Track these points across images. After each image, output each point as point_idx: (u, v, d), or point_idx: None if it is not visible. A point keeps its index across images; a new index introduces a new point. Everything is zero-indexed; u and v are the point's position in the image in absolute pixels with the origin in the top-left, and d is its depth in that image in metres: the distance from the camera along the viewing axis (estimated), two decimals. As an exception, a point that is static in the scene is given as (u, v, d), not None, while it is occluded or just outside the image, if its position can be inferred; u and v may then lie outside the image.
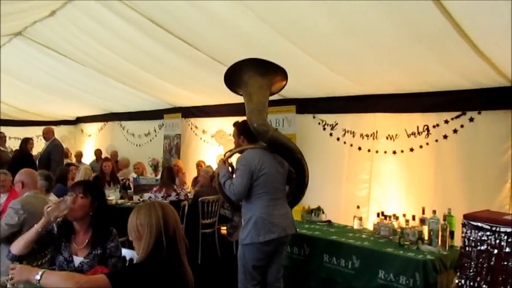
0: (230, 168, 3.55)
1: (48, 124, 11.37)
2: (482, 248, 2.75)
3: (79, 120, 11.80)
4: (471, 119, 4.05)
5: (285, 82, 3.63)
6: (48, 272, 1.97)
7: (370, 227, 4.36)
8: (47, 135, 7.71)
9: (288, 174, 3.59)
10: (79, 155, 9.80)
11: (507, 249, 2.63)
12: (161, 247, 1.92)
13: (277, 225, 3.38)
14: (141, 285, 1.87)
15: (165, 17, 4.17)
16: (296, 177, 3.61)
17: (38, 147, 9.37)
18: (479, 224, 2.77)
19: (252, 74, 3.48)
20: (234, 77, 3.54)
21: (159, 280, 1.89)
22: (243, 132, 3.60)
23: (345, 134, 5.14)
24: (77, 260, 2.52)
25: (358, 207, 4.63)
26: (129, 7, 4.07)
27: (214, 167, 6.47)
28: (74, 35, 5.20)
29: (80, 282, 1.86)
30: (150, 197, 5.34)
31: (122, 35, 4.85)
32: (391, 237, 3.98)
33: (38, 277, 1.91)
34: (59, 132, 11.55)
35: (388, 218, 4.15)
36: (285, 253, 3.68)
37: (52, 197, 4.15)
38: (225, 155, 3.76)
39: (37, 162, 7.10)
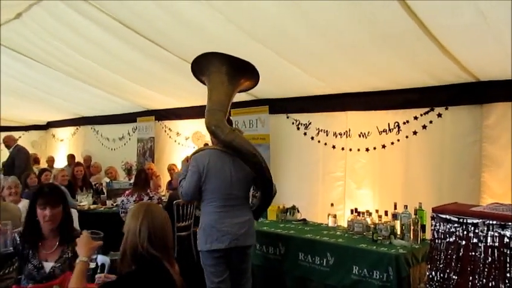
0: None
1: (18, 130, 11.15)
2: (451, 239, 2.82)
3: (50, 125, 11.53)
4: (439, 115, 4.14)
5: (254, 80, 3.42)
6: None
7: (345, 224, 4.41)
8: (8, 142, 7.68)
9: (253, 180, 3.37)
10: (51, 161, 9.59)
11: (474, 240, 2.71)
12: (145, 254, 1.89)
13: (227, 234, 3.17)
14: None
15: (134, 18, 4.12)
16: (259, 183, 3.37)
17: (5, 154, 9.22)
18: (448, 217, 2.84)
19: (214, 69, 3.28)
20: (199, 68, 3.40)
21: (149, 286, 1.87)
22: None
23: (318, 133, 5.18)
24: (48, 265, 2.48)
25: (332, 204, 4.69)
26: (97, 9, 4.00)
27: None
28: (42, 38, 5.08)
29: None
30: (123, 201, 5.25)
31: (91, 38, 4.76)
32: (364, 233, 4.04)
33: None
34: (29, 137, 11.34)
35: (361, 215, 4.21)
36: (247, 266, 3.41)
37: (23, 202, 4.09)
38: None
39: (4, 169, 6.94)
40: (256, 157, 3.17)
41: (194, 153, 3.35)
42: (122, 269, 1.93)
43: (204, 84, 3.50)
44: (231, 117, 3.71)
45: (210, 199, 3.23)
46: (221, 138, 3.18)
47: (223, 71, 3.26)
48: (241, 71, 3.31)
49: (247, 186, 3.35)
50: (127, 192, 5.37)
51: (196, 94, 6.26)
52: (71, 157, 9.24)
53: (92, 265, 2.27)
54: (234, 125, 3.60)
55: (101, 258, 2.83)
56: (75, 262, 2.47)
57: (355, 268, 3.61)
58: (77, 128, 10.42)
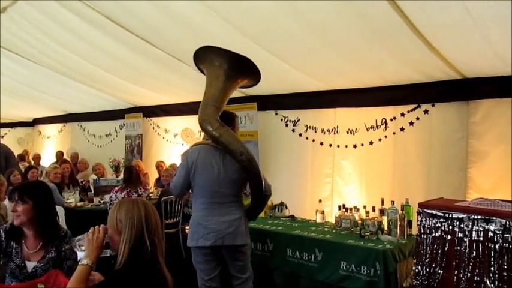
0: None
1: (3, 126, 10.99)
2: (436, 234, 2.85)
3: (36, 121, 11.39)
4: (426, 111, 4.17)
5: (254, 78, 3.35)
6: None
7: (333, 221, 4.43)
8: None
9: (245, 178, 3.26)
10: (37, 158, 9.48)
11: (460, 235, 2.74)
12: (142, 248, 1.87)
13: (213, 232, 3.10)
14: None
15: (123, 15, 4.07)
16: (249, 182, 3.27)
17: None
18: (433, 212, 2.87)
19: (211, 63, 3.23)
20: (199, 62, 3.36)
21: (142, 284, 1.85)
22: None
23: (307, 130, 5.19)
24: (30, 265, 2.43)
25: (320, 201, 4.70)
26: (85, 4, 3.95)
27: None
28: (28, 33, 5.00)
29: None
30: (111, 197, 5.21)
31: (78, 33, 4.70)
32: (352, 229, 4.06)
33: None
34: (15, 134, 11.21)
35: (349, 211, 4.24)
36: (244, 262, 3.29)
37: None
38: None
39: None
40: (243, 155, 3.06)
41: (187, 150, 3.33)
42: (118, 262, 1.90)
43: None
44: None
45: (198, 195, 3.19)
46: (210, 133, 3.12)
47: (221, 66, 3.19)
48: (240, 68, 3.23)
49: (238, 184, 3.25)
50: (116, 188, 5.33)
51: (186, 90, 6.26)
52: (60, 154, 9.15)
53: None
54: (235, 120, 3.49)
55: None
56: (59, 262, 2.46)
57: (343, 264, 3.63)
58: (64, 125, 10.30)
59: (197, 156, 3.16)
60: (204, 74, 3.44)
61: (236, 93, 5.68)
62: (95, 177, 6.82)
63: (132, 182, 5.35)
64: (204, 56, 3.25)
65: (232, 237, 3.13)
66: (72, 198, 5.90)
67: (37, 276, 2.37)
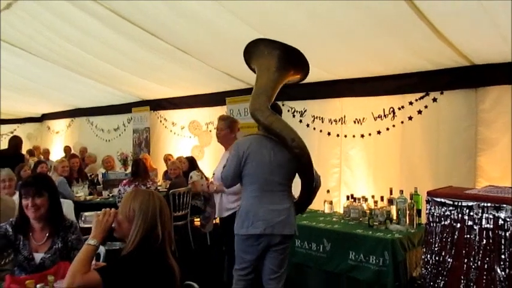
0: None
1: (13, 122, 11.10)
2: (445, 223, 2.82)
3: (45, 117, 11.47)
4: (434, 99, 4.13)
5: (303, 72, 3.26)
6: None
7: (341, 211, 4.42)
8: None
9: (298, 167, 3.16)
10: (46, 153, 9.55)
11: (469, 223, 2.72)
12: (153, 239, 1.90)
13: (262, 220, 3.02)
14: (131, 279, 1.83)
15: (129, 8, 4.06)
16: (300, 172, 3.17)
17: (4, 144, 9.17)
18: (442, 200, 2.84)
19: (261, 55, 3.17)
20: (249, 56, 3.28)
21: (149, 273, 1.87)
22: None
23: (314, 120, 5.17)
24: (38, 256, 2.46)
25: (328, 191, 4.69)
26: (91, -1, 3.96)
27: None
28: (35, 29, 5.01)
29: (75, 282, 1.80)
30: (119, 191, 5.24)
31: (85, 28, 4.71)
32: (360, 219, 4.05)
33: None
34: (24, 130, 11.30)
35: (357, 201, 4.22)
36: (285, 256, 3.18)
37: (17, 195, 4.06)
38: None
39: None
40: (295, 141, 2.99)
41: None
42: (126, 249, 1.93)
43: (255, 72, 3.36)
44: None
45: (248, 184, 3.13)
46: (261, 122, 3.07)
47: (270, 56, 3.14)
48: (291, 60, 3.17)
49: (289, 173, 3.16)
50: (124, 181, 5.36)
51: (192, 83, 6.26)
52: (68, 149, 9.23)
53: None
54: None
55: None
56: (66, 252, 2.49)
57: (352, 253, 3.62)
58: (72, 120, 10.37)
59: (248, 146, 3.10)
60: (252, 70, 3.37)
61: (242, 84, 5.71)
62: (103, 171, 6.86)
63: (139, 175, 5.37)
64: (255, 49, 3.20)
65: (281, 226, 3.06)
66: (81, 191, 5.94)
67: (45, 267, 2.40)
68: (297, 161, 3.07)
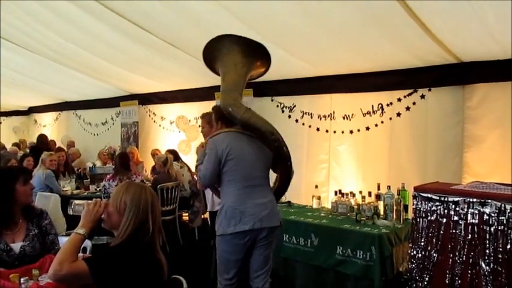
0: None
1: (-2, 115, 10.94)
2: (432, 218, 2.85)
3: (32, 110, 11.32)
4: (422, 96, 4.17)
5: (266, 61, 3.28)
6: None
7: (330, 206, 4.43)
8: None
9: (272, 160, 3.22)
10: (33, 147, 9.42)
11: (455, 218, 2.75)
12: (143, 232, 1.90)
13: (251, 215, 3.01)
14: (119, 270, 1.82)
15: (118, 1, 4.02)
16: (278, 163, 3.23)
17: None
18: (429, 195, 2.87)
19: (226, 51, 3.17)
20: (211, 54, 3.25)
21: (137, 266, 1.86)
22: (219, 116, 3.26)
23: (303, 116, 5.18)
24: (16, 246, 2.47)
25: (316, 186, 4.71)
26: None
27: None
28: (22, 20, 4.92)
29: (62, 270, 1.77)
30: (105, 186, 5.20)
31: (73, 20, 4.64)
32: (348, 214, 4.07)
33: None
34: (10, 123, 11.15)
35: (345, 196, 4.24)
36: (270, 251, 3.18)
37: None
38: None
39: None
40: (275, 135, 3.05)
41: (211, 137, 3.21)
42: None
43: (217, 74, 3.36)
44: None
45: (230, 180, 3.09)
46: (238, 117, 3.05)
47: (237, 52, 3.14)
48: (255, 52, 3.18)
49: (267, 166, 3.22)
50: (108, 176, 5.31)
51: (181, 78, 6.22)
52: (52, 143, 9.10)
53: None
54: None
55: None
56: (42, 237, 2.56)
57: (339, 248, 3.64)
58: (59, 113, 10.25)
59: (227, 144, 3.07)
60: (215, 72, 3.37)
61: (232, 79, 5.68)
62: (90, 165, 6.80)
63: (118, 170, 5.32)
64: (219, 46, 3.20)
65: (268, 219, 3.07)
66: (68, 186, 5.90)
67: (26, 255, 2.43)
68: (276, 153, 3.12)
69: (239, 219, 3.01)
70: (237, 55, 3.15)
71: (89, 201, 1.97)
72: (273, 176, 3.29)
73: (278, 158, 3.16)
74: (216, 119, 3.29)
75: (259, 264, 3.13)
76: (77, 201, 2.06)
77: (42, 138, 8.68)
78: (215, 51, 3.22)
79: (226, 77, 3.18)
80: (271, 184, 3.32)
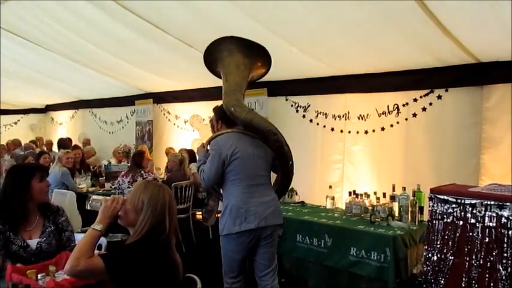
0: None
1: (16, 113, 11.11)
2: (448, 220, 2.82)
3: (48, 108, 11.47)
4: (439, 97, 4.11)
5: (267, 63, 3.33)
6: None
7: (343, 207, 4.41)
8: None
9: (273, 160, 3.26)
10: (49, 144, 9.56)
11: (472, 220, 2.71)
12: (160, 231, 1.90)
13: (255, 214, 3.05)
14: (134, 268, 1.84)
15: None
16: (279, 162, 3.26)
17: (8, 135, 9.38)
18: (445, 197, 2.83)
19: (228, 53, 3.22)
20: (212, 56, 3.31)
21: (152, 264, 1.87)
22: (220, 116, 3.28)
23: (317, 116, 5.15)
24: (33, 242, 2.50)
25: (330, 187, 4.69)
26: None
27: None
28: (40, 19, 5.00)
29: (79, 265, 1.79)
30: (118, 182, 5.28)
31: (90, 19, 4.70)
32: (362, 215, 4.05)
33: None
34: (28, 121, 11.32)
35: (359, 197, 4.22)
36: (274, 248, 3.24)
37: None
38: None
39: None
40: (277, 135, 3.08)
41: (213, 138, 3.25)
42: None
43: (219, 77, 3.39)
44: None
45: (234, 180, 3.12)
46: (241, 118, 3.08)
47: (238, 54, 3.19)
48: (256, 54, 3.23)
49: (269, 166, 3.26)
50: (122, 173, 5.41)
51: (195, 76, 6.23)
52: (68, 141, 9.23)
53: None
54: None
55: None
56: (58, 234, 2.59)
57: (353, 249, 3.62)
58: (76, 111, 10.37)
59: (231, 144, 3.11)
60: (216, 75, 3.41)
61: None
62: (106, 162, 6.88)
63: (132, 167, 5.45)
64: (220, 49, 3.24)
65: (272, 217, 3.12)
66: (84, 183, 5.97)
67: (43, 252, 2.46)
68: (280, 153, 3.15)
69: (244, 218, 3.04)
70: (239, 57, 3.19)
71: (107, 197, 1.98)
72: (273, 176, 3.32)
73: (280, 158, 3.20)
74: (217, 119, 3.33)
75: (265, 262, 3.17)
76: (95, 197, 2.08)
77: (62, 141, 8.71)
78: (216, 53, 3.26)
79: (228, 78, 3.22)
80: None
